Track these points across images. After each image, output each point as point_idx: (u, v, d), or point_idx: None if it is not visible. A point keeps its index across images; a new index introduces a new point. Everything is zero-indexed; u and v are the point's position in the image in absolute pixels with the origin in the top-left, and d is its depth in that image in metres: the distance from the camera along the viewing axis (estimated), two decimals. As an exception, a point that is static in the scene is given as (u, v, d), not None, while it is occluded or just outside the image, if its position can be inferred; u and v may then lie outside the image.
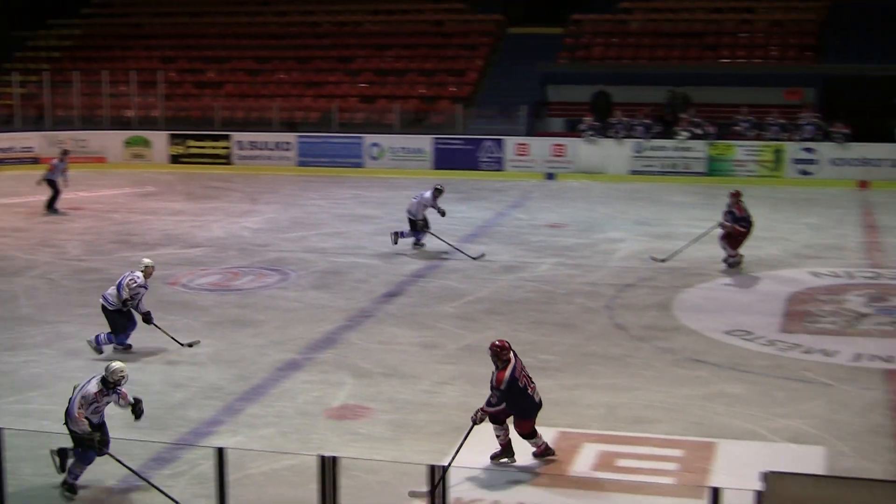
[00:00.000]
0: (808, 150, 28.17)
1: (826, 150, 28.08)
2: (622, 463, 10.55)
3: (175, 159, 32.44)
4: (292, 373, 13.22)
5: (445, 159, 30.25)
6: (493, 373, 10.35)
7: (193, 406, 12.28)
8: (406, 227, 20.16)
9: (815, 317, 16.05)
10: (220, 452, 8.68)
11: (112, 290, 13.93)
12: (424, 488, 9.03)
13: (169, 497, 9.33)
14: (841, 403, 12.46)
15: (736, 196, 18.80)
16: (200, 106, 33.96)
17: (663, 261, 19.16)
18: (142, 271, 13.94)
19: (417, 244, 20.20)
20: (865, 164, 27.89)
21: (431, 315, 16.02)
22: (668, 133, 29.18)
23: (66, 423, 9.87)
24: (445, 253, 19.91)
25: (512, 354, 10.39)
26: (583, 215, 24.15)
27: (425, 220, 20.07)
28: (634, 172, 29.03)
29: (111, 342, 13.97)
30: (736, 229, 18.58)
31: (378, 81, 34.09)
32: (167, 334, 14.15)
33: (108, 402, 10.03)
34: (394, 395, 12.65)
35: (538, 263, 19.37)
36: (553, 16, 34.60)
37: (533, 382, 10.50)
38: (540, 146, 29.93)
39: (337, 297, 17.12)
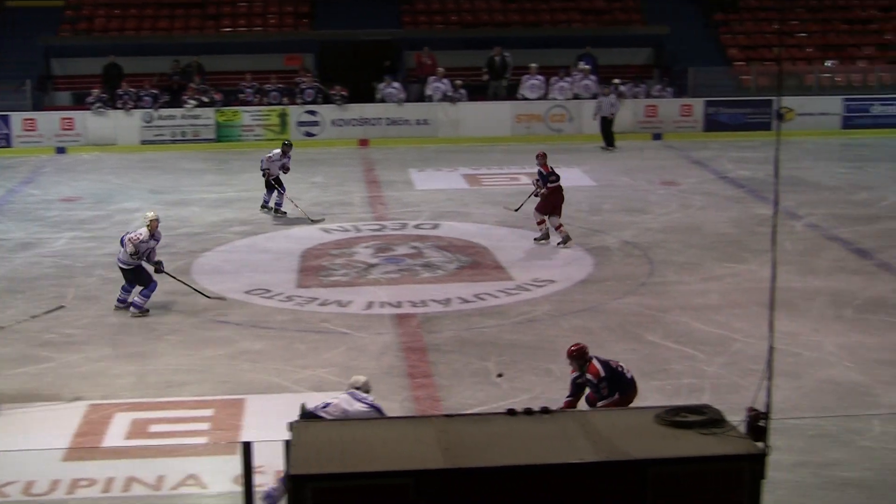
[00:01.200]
0: (311, 112, 29.20)
1: (327, 112, 29.21)
2: (155, 428, 10.69)
3: None
4: None
5: (-54, 139, 28.64)
6: (574, 376, 10.30)
7: None
8: (265, 195, 20.47)
9: (328, 270, 16.94)
10: None
11: (121, 250, 14.10)
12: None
13: None
14: (358, 349, 13.37)
15: (541, 157, 18.36)
16: None
17: (516, 210, 19.48)
18: (146, 226, 14.07)
19: (278, 212, 20.32)
20: (364, 124, 29.29)
21: (-56, 301, 15.42)
22: (176, 102, 29.32)
23: None
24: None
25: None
26: (97, 187, 23.76)
27: (278, 180, 20.31)
28: (146, 142, 28.84)
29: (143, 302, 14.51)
30: (548, 188, 18.13)
31: None
32: (188, 285, 15.15)
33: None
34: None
35: (55, 238, 19.05)
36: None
37: (620, 364, 10.46)
38: (48, 120, 28.98)
39: None
